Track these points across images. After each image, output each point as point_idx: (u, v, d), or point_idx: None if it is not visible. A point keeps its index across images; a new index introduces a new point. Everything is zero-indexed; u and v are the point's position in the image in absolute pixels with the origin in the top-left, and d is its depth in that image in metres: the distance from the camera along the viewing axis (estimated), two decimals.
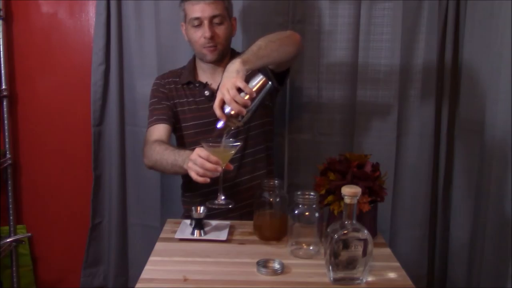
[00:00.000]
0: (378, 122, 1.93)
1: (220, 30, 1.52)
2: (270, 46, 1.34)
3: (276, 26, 1.87)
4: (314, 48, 1.89)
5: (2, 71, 1.99)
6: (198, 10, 1.48)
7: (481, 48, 1.76)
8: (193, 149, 1.28)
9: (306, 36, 1.89)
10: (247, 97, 1.20)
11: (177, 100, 1.61)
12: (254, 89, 1.22)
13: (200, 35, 1.51)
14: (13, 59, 2.03)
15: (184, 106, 1.61)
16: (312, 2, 1.87)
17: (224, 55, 1.56)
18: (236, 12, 1.84)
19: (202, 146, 1.27)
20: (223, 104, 1.22)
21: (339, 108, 1.92)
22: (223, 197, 1.29)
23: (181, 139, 1.64)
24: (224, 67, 1.55)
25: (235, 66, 1.25)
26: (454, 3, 1.84)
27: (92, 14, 1.99)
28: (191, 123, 1.59)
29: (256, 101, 1.23)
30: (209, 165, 1.22)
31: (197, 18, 1.49)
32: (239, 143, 1.31)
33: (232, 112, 1.21)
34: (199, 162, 1.23)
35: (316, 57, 1.90)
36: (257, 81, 1.23)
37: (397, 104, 1.90)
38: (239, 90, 1.20)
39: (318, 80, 1.91)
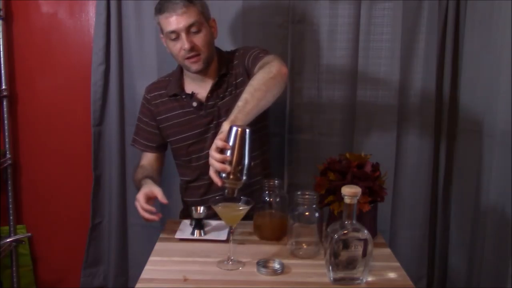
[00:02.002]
0: (378, 122, 1.93)
1: (199, 39, 1.45)
2: (256, 96, 1.25)
3: (276, 26, 1.87)
4: (314, 48, 1.89)
5: (2, 71, 1.99)
6: (172, 23, 1.42)
7: (481, 48, 1.76)
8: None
9: (306, 36, 1.89)
10: (228, 152, 1.16)
11: (164, 116, 1.57)
12: (231, 142, 1.16)
13: (180, 48, 1.45)
14: (13, 59, 2.03)
15: (172, 119, 1.57)
16: (312, 2, 1.87)
17: (209, 62, 1.51)
18: (236, 12, 1.85)
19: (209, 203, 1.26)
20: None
21: (339, 108, 1.92)
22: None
23: (175, 152, 1.63)
24: (212, 74, 1.54)
25: (222, 128, 1.21)
26: (454, 3, 1.84)
27: (92, 14, 1.98)
28: (181, 136, 1.56)
29: (245, 153, 1.17)
30: (144, 214, 1.36)
31: (173, 32, 1.43)
32: (249, 205, 1.22)
33: (224, 175, 1.17)
34: (137, 206, 1.37)
35: (316, 57, 1.90)
36: (233, 134, 1.17)
37: (397, 104, 1.90)
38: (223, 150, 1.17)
39: (318, 80, 1.91)
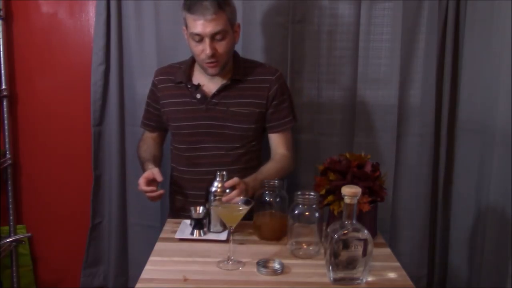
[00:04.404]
0: (378, 122, 1.93)
1: (221, 46, 1.47)
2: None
3: (276, 26, 1.87)
4: (314, 48, 1.89)
5: (2, 71, 1.99)
6: (199, 27, 1.42)
7: (481, 48, 1.76)
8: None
9: (306, 36, 1.89)
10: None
11: (166, 100, 1.60)
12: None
13: (201, 50, 1.46)
14: (13, 59, 2.03)
15: (172, 106, 1.59)
16: (312, 2, 1.87)
17: (225, 66, 1.53)
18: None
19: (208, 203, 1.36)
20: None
21: (339, 108, 1.92)
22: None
23: (174, 137, 1.65)
24: (224, 75, 1.55)
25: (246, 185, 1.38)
26: (454, 3, 1.84)
27: (92, 14, 1.99)
28: (181, 123, 1.58)
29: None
30: (148, 195, 1.46)
31: (198, 34, 1.44)
32: (249, 205, 1.24)
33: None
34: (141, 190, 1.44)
35: (316, 57, 1.90)
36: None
37: (397, 104, 1.90)
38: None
39: (318, 80, 1.91)
